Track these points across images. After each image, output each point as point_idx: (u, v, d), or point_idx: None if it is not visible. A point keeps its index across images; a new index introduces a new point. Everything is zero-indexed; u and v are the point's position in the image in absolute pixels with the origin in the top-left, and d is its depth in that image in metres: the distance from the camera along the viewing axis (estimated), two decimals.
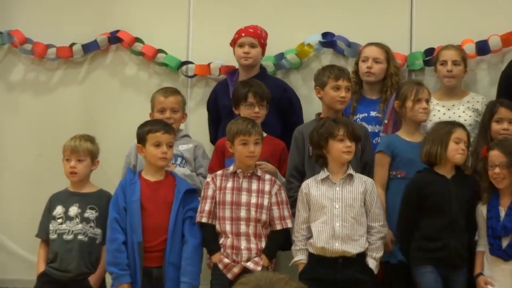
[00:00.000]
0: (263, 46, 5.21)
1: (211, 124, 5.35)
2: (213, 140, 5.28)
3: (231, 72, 5.28)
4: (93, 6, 5.75)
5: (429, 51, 5.28)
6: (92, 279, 4.67)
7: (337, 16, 5.50)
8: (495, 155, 4.33)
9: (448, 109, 5.00)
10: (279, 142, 4.90)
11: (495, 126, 4.68)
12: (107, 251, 4.54)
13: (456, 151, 4.40)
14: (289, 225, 4.50)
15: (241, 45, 5.15)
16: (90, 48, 5.70)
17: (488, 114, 4.72)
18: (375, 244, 4.38)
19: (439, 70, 5.03)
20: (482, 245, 4.39)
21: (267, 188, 4.52)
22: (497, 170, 4.31)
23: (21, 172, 5.77)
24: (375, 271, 4.36)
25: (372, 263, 4.35)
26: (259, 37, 5.17)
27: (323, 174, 4.43)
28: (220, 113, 5.21)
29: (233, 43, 5.20)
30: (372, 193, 4.42)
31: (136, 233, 4.47)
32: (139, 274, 4.46)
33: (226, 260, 4.45)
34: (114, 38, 5.67)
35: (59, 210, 4.72)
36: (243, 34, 5.17)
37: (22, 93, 5.83)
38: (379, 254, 4.39)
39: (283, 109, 5.11)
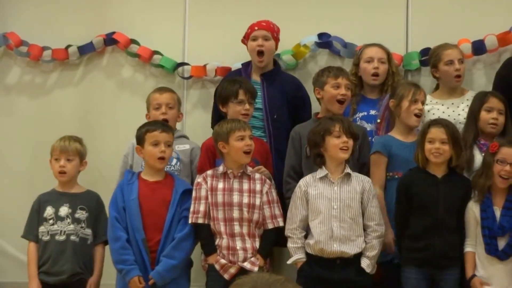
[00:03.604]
0: (276, 40, 5.18)
1: (216, 111, 5.21)
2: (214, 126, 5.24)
3: (245, 64, 5.24)
4: (89, 8, 5.74)
5: (425, 51, 5.27)
6: (91, 281, 4.68)
7: (333, 16, 5.49)
8: (509, 153, 4.31)
9: (448, 108, 4.99)
10: (264, 143, 4.90)
11: (484, 115, 4.67)
12: (111, 250, 4.55)
13: (429, 151, 4.38)
14: (281, 223, 4.51)
15: (254, 39, 5.12)
16: (86, 50, 5.69)
17: (478, 103, 4.70)
18: (370, 243, 4.38)
19: (445, 70, 4.98)
20: (471, 245, 4.37)
21: (258, 187, 4.52)
22: (508, 168, 4.29)
23: (17, 175, 5.76)
24: (367, 270, 4.36)
25: (364, 262, 4.35)
26: (272, 31, 5.15)
27: (321, 172, 4.43)
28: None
29: (246, 38, 5.17)
30: (369, 192, 4.42)
31: (138, 231, 4.48)
32: (150, 270, 4.46)
33: (222, 261, 4.44)
34: (110, 40, 5.66)
35: (49, 211, 4.72)
36: (256, 28, 5.15)
37: (18, 95, 5.81)
38: (373, 252, 4.39)
39: (296, 106, 5.09)
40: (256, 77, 5.14)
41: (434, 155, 4.37)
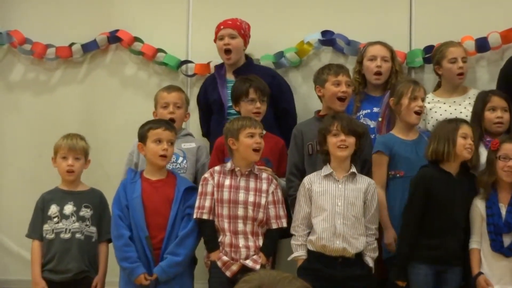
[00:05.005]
0: (245, 37, 5.22)
1: (202, 118, 5.35)
2: (206, 133, 5.30)
3: (219, 65, 5.29)
4: (92, 5, 5.75)
5: (429, 49, 5.26)
6: (97, 279, 4.70)
7: (337, 14, 5.50)
8: (511, 148, 4.35)
9: (450, 106, 4.98)
10: (279, 140, 4.90)
11: (488, 115, 4.67)
12: (114, 248, 4.56)
13: (463, 146, 4.39)
14: (284, 224, 4.52)
15: (221, 38, 5.18)
16: (89, 47, 5.70)
17: (481, 104, 4.70)
18: (373, 245, 4.41)
19: (448, 67, 4.97)
20: (476, 242, 4.39)
21: (264, 187, 4.52)
22: (511, 163, 4.32)
23: (21, 173, 5.78)
24: (373, 270, 4.39)
25: (371, 261, 4.39)
26: (238, 28, 5.18)
27: (326, 170, 4.44)
28: (210, 108, 5.21)
29: (216, 38, 5.22)
30: (373, 195, 4.43)
31: (142, 229, 4.49)
32: (154, 268, 4.48)
33: (225, 258, 4.44)
34: (113, 38, 5.67)
35: (54, 209, 4.73)
36: (222, 27, 5.20)
37: (22, 93, 5.83)
38: (376, 254, 4.43)
39: (273, 97, 5.07)
40: (230, 76, 5.19)
41: (468, 151, 4.39)
